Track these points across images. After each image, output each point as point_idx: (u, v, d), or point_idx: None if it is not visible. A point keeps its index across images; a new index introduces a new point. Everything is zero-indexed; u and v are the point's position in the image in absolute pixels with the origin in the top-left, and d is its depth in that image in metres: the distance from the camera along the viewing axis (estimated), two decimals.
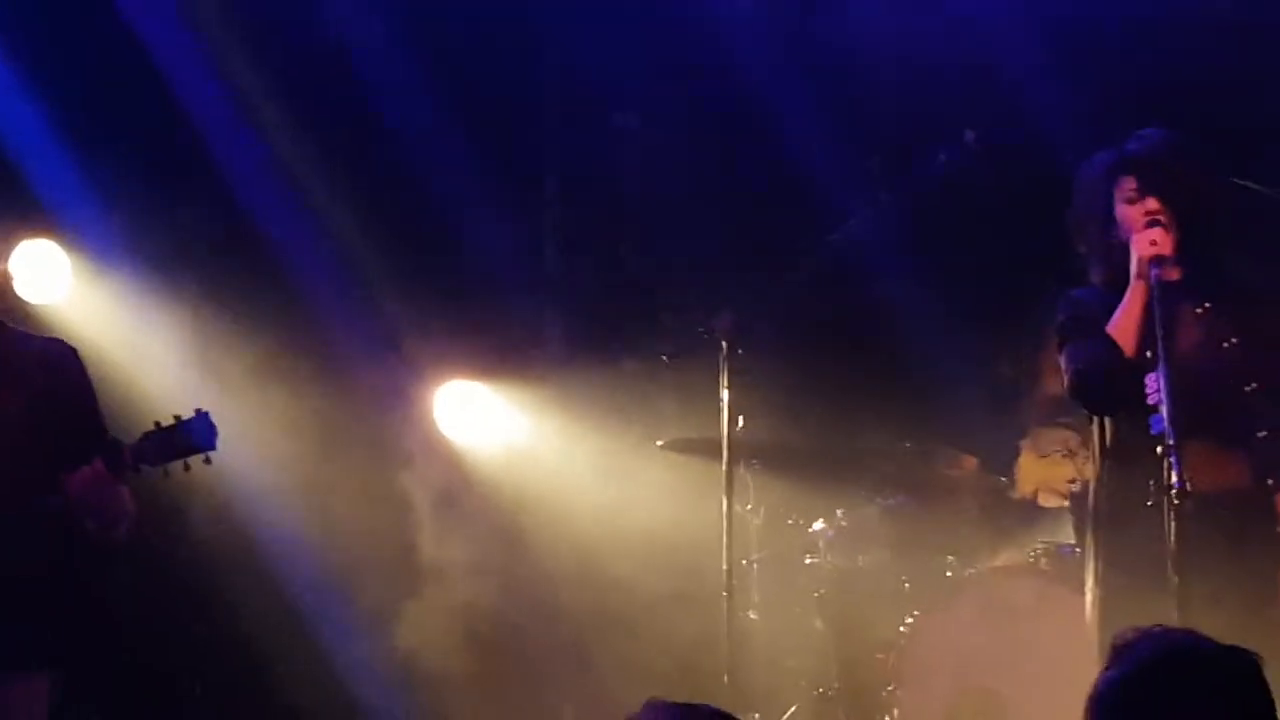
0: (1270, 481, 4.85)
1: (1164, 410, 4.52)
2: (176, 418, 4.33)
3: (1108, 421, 4.96)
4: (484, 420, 7.20)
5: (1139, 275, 4.76)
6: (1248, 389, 4.81)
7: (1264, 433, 4.84)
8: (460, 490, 7.12)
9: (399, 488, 6.96)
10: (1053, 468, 6.51)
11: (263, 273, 6.80)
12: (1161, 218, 4.77)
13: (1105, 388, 4.89)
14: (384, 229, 6.93)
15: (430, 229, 7.02)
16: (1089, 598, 5.00)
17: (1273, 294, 4.94)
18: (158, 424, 4.32)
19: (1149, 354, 4.69)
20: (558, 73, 7.43)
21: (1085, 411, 5.18)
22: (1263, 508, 4.84)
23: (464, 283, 7.10)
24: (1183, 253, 4.81)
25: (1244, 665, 2.62)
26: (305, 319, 6.88)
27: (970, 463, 6.77)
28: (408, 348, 7.03)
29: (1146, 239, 4.75)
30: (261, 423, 6.56)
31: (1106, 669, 2.67)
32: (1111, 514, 4.90)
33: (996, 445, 6.76)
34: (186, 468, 4.38)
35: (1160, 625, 2.72)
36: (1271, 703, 2.60)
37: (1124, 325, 4.77)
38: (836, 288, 7.04)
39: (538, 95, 7.43)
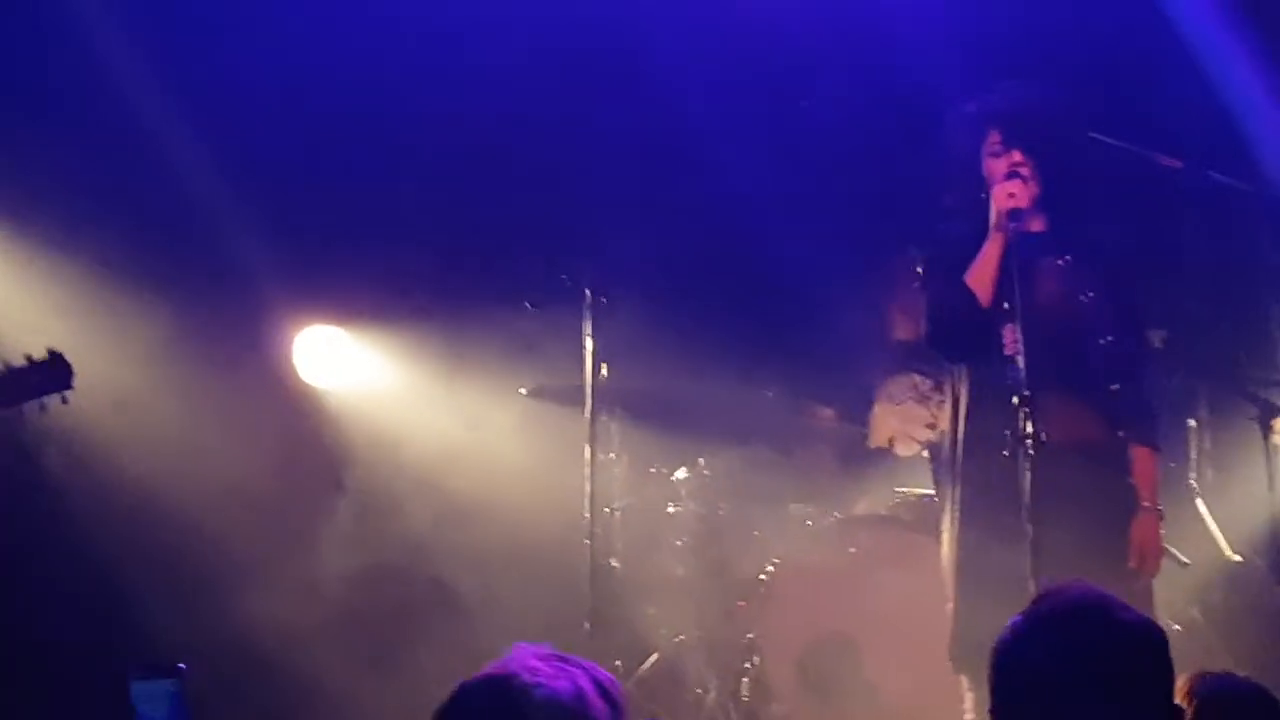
0: (1122, 433, 4.92)
1: (1020, 361, 4.57)
2: (28, 357, 4.21)
3: (964, 371, 5.01)
4: (344, 366, 7.13)
5: (997, 227, 4.81)
6: (1103, 341, 4.88)
7: (1117, 385, 4.91)
8: (320, 436, 7.04)
9: (259, 432, 6.86)
10: (907, 415, 6.58)
11: (120, 212, 6.66)
12: (1023, 171, 4.82)
13: (960, 335, 4.95)
14: (243, 170, 6.80)
15: (291, 171, 6.91)
16: (944, 545, 5.07)
17: (1131, 248, 5.01)
18: (7, 364, 4.20)
19: (1007, 304, 4.74)
20: None
21: (942, 359, 5.23)
22: (1115, 459, 4.92)
23: (326, 226, 7.00)
24: (1045, 206, 4.86)
25: (1154, 636, 2.64)
26: (166, 261, 6.75)
27: (827, 413, 6.83)
28: (268, 292, 6.93)
29: (1005, 191, 4.80)
30: (119, 364, 6.44)
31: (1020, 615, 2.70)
32: (967, 463, 4.95)
33: (854, 395, 6.82)
34: (43, 409, 4.26)
35: (1082, 581, 2.73)
36: (1168, 676, 2.61)
37: (981, 275, 4.82)
38: (702, 238, 7.06)
39: None
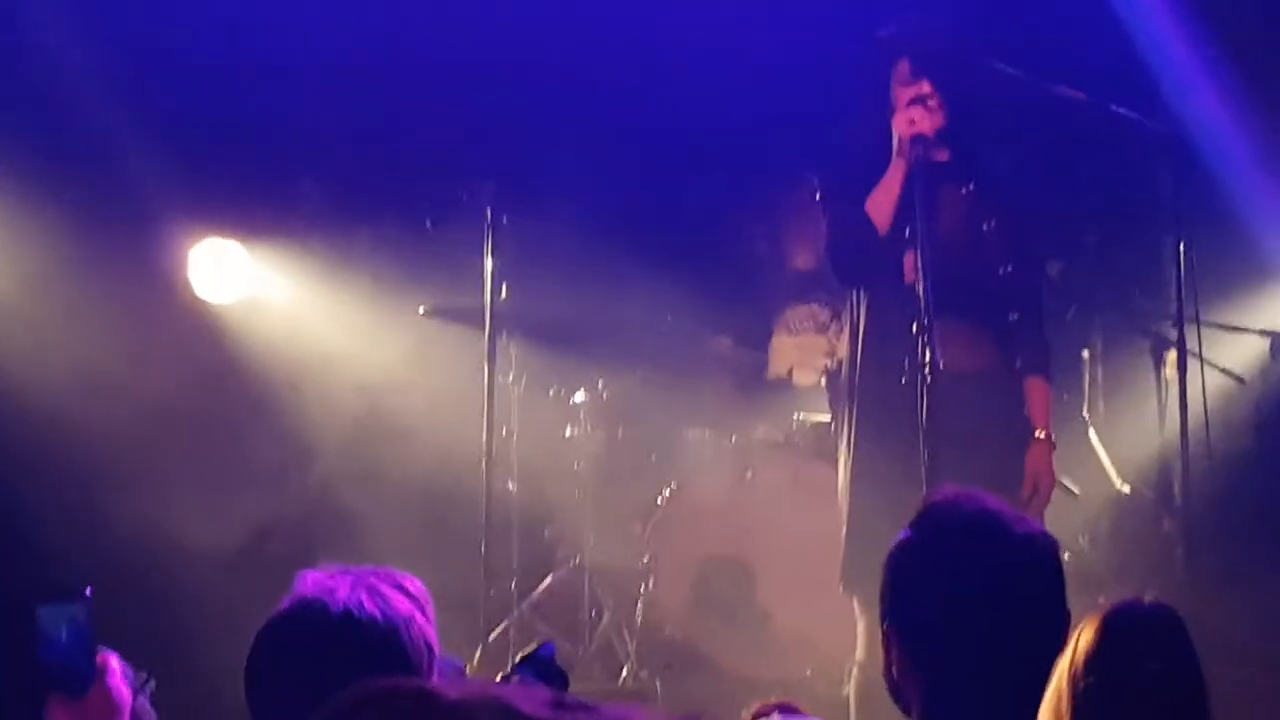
0: (1018, 363, 4.95)
1: (921, 289, 4.58)
2: None
3: (863, 298, 5.01)
4: (239, 280, 7.03)
5: (899, 154, 4.81)
6: (1003, 271, 4.90)
7: (1015, 315, 4.94)
8: (215, 352, 6.95)
9: (153, 348, 6.76)
10: (805, 344, 6.60)
11: (3, 128, 6.51)
12: (930, 100, 4.82)
13: (859, 262, 4.96)
14: (133, 83, 6.66)
15: (182, 84, 6.78)
16: (840, 472, 5.09)
17: (1031, 179, 5.03)
18: None
19: (909, 232, 4.74)
20: None
21: (840, 286, 5.24)
22: (1010, 389, 4.94)
23: (221, 140, 6.88)
24: (950, 137, 4.86)
25: (1046, 545, 2.64)
26: (54, 176, 6.61)
27: (724, 341, 6.83)
28: (161, 205, 6.81)
29: (906, 118, 4.80)
30: (7, 282, 6.32)
31: (908, 527, 2.69)
32: (864, 390, 4.96)
33: (753, 323, 6.83)
34: None
35: (973, 493, 2.72)
36: (1062, 587, 2.62)
37: (880, 202, 4.83)
38: (604, 162, 7.02)
39: None
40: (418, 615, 2.69)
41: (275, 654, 2.67)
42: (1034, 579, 2.60)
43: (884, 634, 2.64)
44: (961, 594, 2.56)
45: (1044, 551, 2.63)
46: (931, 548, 2.62)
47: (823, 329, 6.53)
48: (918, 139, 4.78)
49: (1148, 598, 2.54)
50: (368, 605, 2.65)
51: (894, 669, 2.61)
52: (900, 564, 2.62)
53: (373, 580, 2.71)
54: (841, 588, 4.89)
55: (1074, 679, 2.73)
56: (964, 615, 2.55)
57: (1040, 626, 2.57)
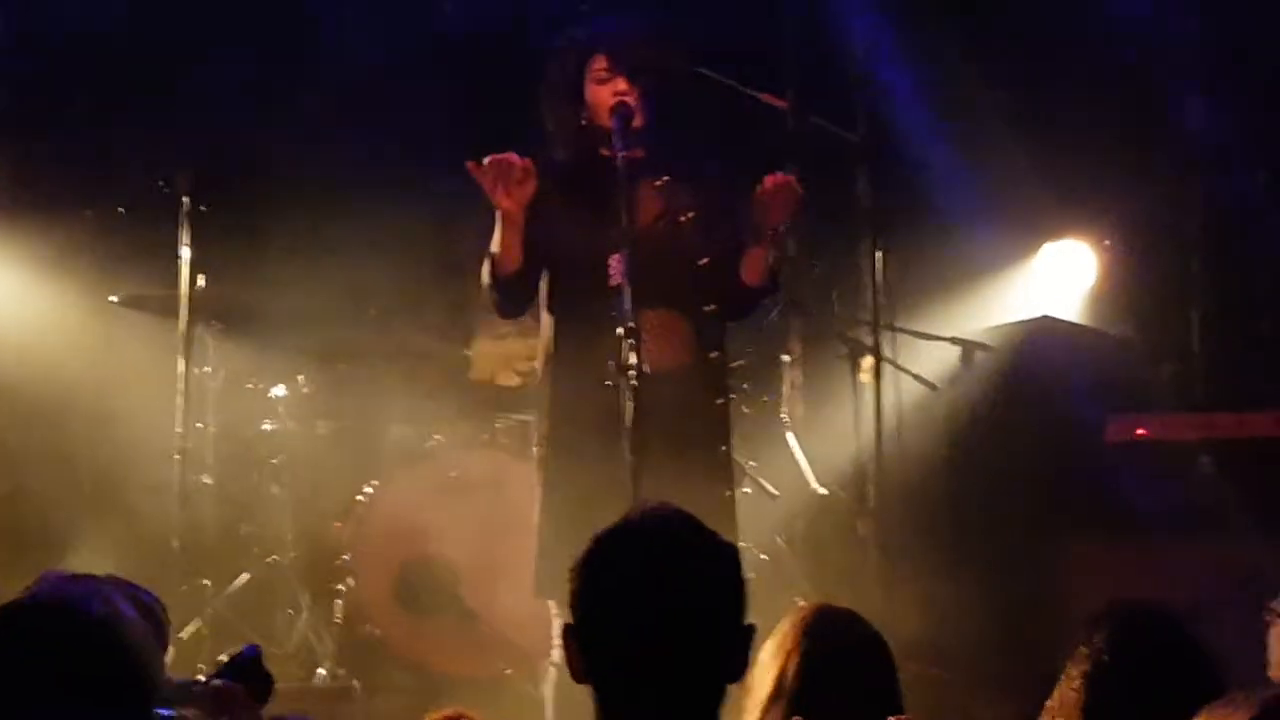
0: (714, 355, 4.97)
1: (626, 292, 4.56)
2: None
3: (560, 300, 4.97)
4: None
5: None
6: (701, 263, 4.92)
7: (711, 306, 4.96)
8: None
9: None
10: (508, 351, 6.58)
11: None
12: (627, 95, 4.82)
13: (508, 302, 4.96)
14: None
15: None
16: (536, 478, 5.04)
17: (730, 178, 5.06)
18: None
19: (612, 232, 4.71)
20: None
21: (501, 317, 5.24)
22: (706, 381, 4.95)
23: None
24: (646, 133, 4.86)
25: (727, 554, 2.67)
26: None
27: (424, 339, 6.78)
28: None
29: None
30: None
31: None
32: (557, 396, 4.91)
33: (457, 321, 6.79)
34: None
35: (661, 503, 2.74)
36: (741, 599, 2.65)
37: (504, 249, 4.78)
38: (309, 149, 6.91)
39: None
40: (149, 639, 2.62)
41: None
42: (712, 591, 2.62)
43: (564, 633, 2.65)
44: (635, 604, 2.58)
45: (723, 561, 2.66)
46: (610, 556, 2.64)
47: (525, 334, 6.51)
48: (620, 108, 4.76)
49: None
50: (95, 614, 2.57)
51: (574, 669, 2.64)
52: (582, 571, 2.63)
53: (110, 592, 2.64)
54: (534, 592, 4.87)
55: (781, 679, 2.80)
56: (638, 624, 2.57)
57: (717, 638, 2.60)
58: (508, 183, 4.65)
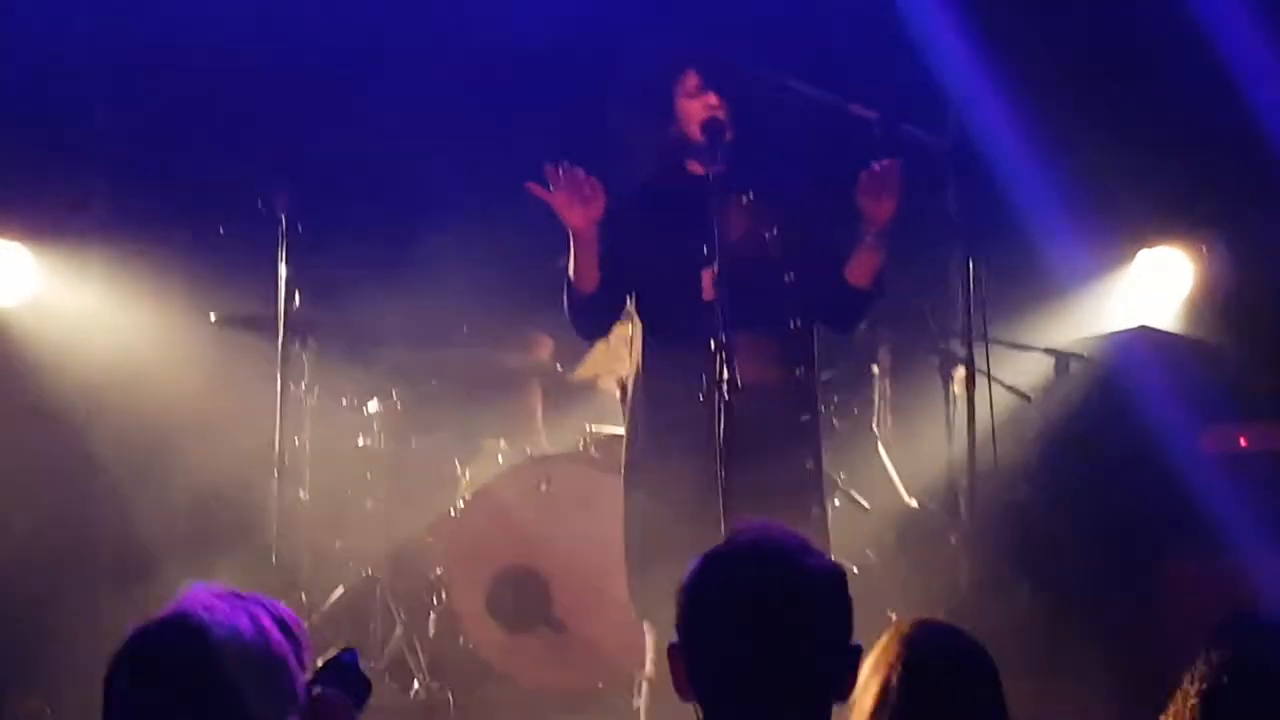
0: (799, 371, 4.96)
1: (719, 309, 4.54)
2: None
3: (649, 316, 4.98)
4: (25, 283, 6.86)
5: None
6: (787, 279, 4.92)
7: (797, 322, 4.96)
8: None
9: None
10: (620, 351, 6.58)
11: None
12: (719, 111, 4.83)
13: (587, 324, 4.99)
14: None
15: None
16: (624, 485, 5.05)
17: (813, 190, 5.04)
18: None
19: (706, 249, 4.71)
20: None
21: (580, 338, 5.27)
22: (794, 397, 4.95)
23: (7, 139, 6.70)
24: (735, 149, 4.86)
25: (835, 578, 2.68)
26: None
27: (546, 343, 6.79)
28: None
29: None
30: None
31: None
32: (651, 407, 4.92)
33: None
34: None
35: (769, 522, 2.76)
36: (848, 619, 2.66)
37: (579, 265, 4.80)
38: (399, 168, 6.97)
39: None
40: (290, 659, 2.66)
41: (138, 663, 2.62)
42: (819, 612, 2.63)
43: (669, 652, 2.67)
44: (744, 623, 2.59)
45: (830, 583, 2.66)
46: (718, 577, 2.65)
47: (627, 341, 6.54)
48: (712, 123, 4.77)
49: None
50: (245, 633, 2.61)
51: (680, 687, 2.65)
52: (689, 591, 2.65)
53: (255, 609, 2.68)
54: (635, 615, 4.87)
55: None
56: (746, 645, 2.58)
57: (824, 658, 2.61)
58: (578, 200, 4.67)
